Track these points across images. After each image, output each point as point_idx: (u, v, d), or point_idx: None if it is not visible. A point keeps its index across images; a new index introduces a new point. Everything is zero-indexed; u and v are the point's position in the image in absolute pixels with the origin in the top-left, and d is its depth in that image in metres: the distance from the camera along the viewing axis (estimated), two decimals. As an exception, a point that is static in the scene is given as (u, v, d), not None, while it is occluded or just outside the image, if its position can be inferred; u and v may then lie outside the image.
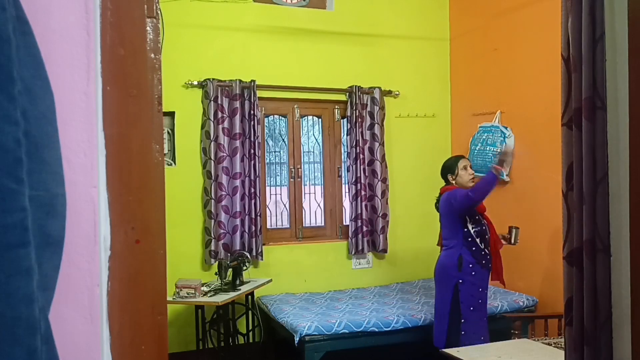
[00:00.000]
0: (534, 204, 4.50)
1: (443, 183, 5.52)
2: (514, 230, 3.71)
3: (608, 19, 1.51)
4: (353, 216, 5.04)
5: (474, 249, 3.53)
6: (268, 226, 5.07)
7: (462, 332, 3.48)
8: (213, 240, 4.61)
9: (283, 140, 5.20)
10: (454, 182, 3.72)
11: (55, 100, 0.75)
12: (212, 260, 4.59)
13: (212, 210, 4.61)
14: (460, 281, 3.52)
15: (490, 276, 3.61)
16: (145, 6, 0.90)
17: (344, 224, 5.24)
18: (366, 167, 5.05)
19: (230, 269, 4.14)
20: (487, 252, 3.57)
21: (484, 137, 4.80)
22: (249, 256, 4.32)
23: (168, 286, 1.03)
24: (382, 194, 5.08)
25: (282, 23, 4.94)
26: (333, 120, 5.25)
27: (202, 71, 4.65)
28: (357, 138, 5.01)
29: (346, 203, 5.25)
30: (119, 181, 0.87)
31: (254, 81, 4.71)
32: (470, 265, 3.52)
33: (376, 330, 3.91)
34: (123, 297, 0.87)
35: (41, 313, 0.66)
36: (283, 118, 5.15)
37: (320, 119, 5.24)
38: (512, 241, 3.70)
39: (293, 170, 5.13)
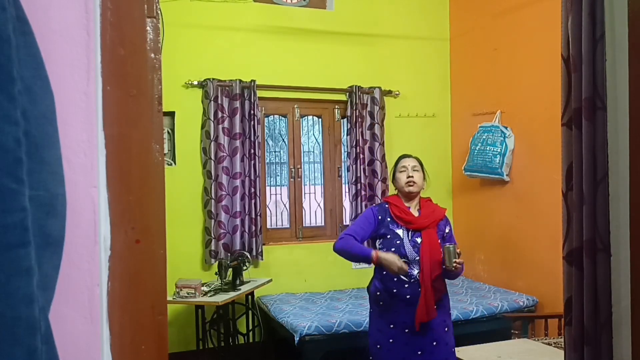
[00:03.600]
0: (534, 204, 4.50)
1: (441, 182, 5.57)
2: (445, 249, 2.72)
3: (608, 19, 1.51)
4: (353, 216, 5.04)
5: (384, 272, 2.82)
6: (268, 226, 5.07)
7: None
8: (213, 240, 4.61)
9: (283, 140, 5.20)
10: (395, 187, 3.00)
11: (55, 100, 0.75)
12: (212, 260, 4.59)
13: (212, 210, 4.61)
14: (371, 310, 2.96)
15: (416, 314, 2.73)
16: (145, 6, 0.90)
17: (344, 223, 5.24)
18: (366, 167, 5.05)
19: (230, 269, 4.14)
20: (403, 279, 2.75)
21: (484, 137, 4.80)
22: (249, 256, 4.32)
23: (168, 286, 1.03)
24: (382, 194, 5.08)
25: (282, 23, 4.94)
26: (333, 120, 5.25)
27: (202, 71, 4.65)
28: (357, 138, 5.01)
29: (346, 203, 5.25)
30: (119, 181, 0.87)
31: (254, 81, 4.71)
32: (378, 294, 2.87)
33: (376, 330, 3.91)
34: (123, 297, 0.87)
35: (41, 313, 0.66)
36: (283, 118, 5.15)
37: (320, 119, 5.24)
38: (446, 263, 2.69)
39: (293, 170, 5.13)
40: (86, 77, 0.83)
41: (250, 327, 4.53)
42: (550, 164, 4.18)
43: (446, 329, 2.79)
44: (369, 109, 5.08)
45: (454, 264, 2.67)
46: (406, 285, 2.76)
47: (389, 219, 2.88)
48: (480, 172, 4.82)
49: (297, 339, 3.76)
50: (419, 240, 2.79)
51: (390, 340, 2.80)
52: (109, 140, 0.85)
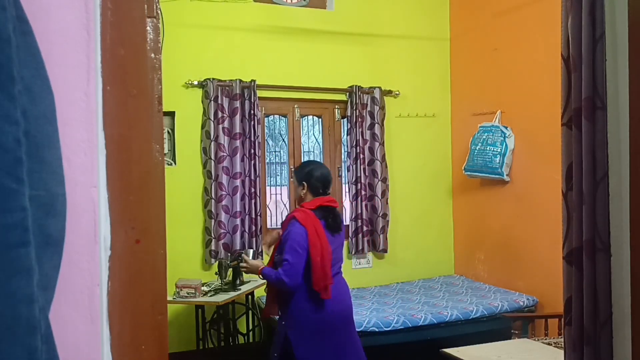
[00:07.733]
0: (534, 204, 4.50)
1: (441, 182, 5.57)
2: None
3: (608, 19, 1.51)
4: (353, 216, 5.04)
5: None
6: (268, 226, 5.07)
7: None
8: (213, 240, 4.61)
9: (283, 140, 5.20)
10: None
11: (55, 100, 0.75)
12: (212, 260, 4.59)
13: (213, 210, 4.61)
14: None
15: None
16: (146, 6, 0.90)
17: (344, 223, 5.22)
18: (366, 167, 5.05)
19: (230, 269, 4.14)
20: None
21: (484, 137, 4.80)
22: (249, 256, 4.31)
23: (168, 286, 1.03)
24: (382, 194, 5.08)
25: (282, 23, 4.94)
26: (333, 120, 5.25)
27: (202, 71, 4.65)
28: (357, 138, 5.01)
29: (346, 203, 5.24)
30: (119, 181, 0.87)
31: (254, 81, 4.71)
32: None
33: (376, 330, 3.91)
34: (123, 297, 0.87)
35: (41, 313, 0.66)
36: (283, 118, 5.15)
37: (320, 119, 5.24)
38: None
39: (293, 170, 5.13)
40: (86, 77, 0.83)
41: (250, 327, 4.53)
42: (550, 164, 4.17)
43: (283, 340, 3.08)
44: (369, 108, 5.08)
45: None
46: None
47: None
48: (480, 172, 4.82)
49: (297, 339, 3.75)
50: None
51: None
52: (109, 140, 0.85)
